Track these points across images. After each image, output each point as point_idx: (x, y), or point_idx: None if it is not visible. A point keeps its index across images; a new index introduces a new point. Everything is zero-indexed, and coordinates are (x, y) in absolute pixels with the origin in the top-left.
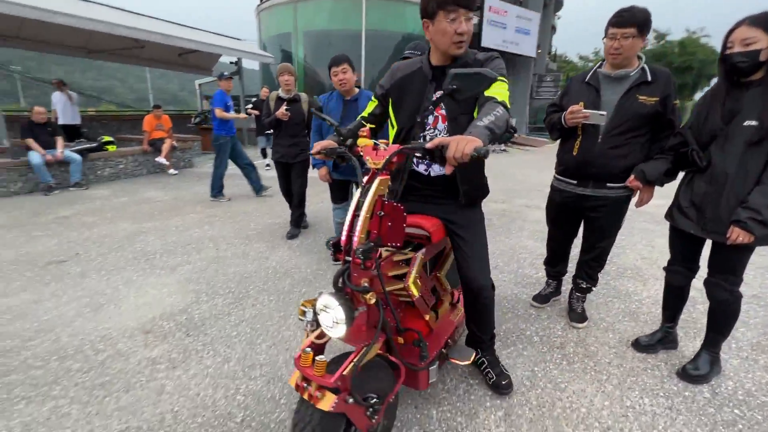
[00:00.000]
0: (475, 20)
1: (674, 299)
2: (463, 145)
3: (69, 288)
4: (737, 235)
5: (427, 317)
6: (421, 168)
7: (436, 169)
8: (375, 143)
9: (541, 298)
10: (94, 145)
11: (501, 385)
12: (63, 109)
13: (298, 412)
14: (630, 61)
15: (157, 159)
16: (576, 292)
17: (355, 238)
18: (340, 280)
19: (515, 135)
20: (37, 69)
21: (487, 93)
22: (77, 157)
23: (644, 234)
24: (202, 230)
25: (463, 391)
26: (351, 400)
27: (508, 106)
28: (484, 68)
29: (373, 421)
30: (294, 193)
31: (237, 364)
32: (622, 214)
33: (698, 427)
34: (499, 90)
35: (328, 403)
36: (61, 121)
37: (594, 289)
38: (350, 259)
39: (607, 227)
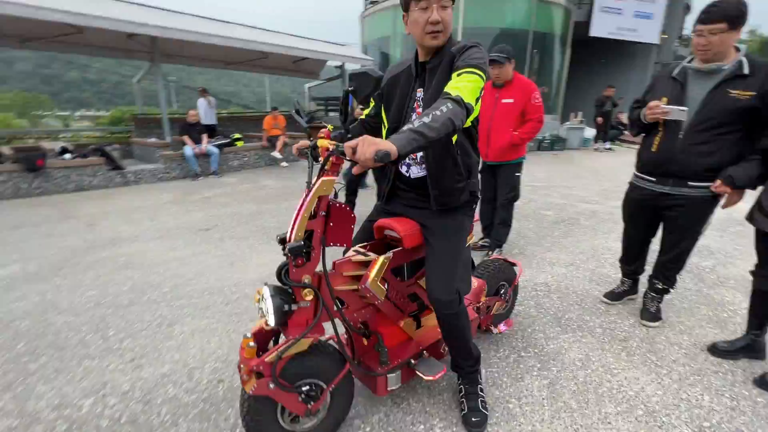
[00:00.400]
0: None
1: (761, 305)
2: (366, 149)
3: (212, 248)
4: None
5: (401, 323)
6: (403, 169)
7: (414, 171)
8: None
9: (613, 296)
10: (228, 141)
11: (470, 422)
12: (205, 111)
13: (242, 392)
14: (722, 55)
15: (272, 153)
16: (651, 292)
17: (292, 236)
18: (282, 273)
19: (624, 132)
20: (186, 78)
21: (446, 88)
22: (216, 150)
23: None
24: None
25: (513, 360)
26: (272, 386)
27: (466, 100)
28: (369, 67)
29: (309, 406)
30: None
31: None
32: (705, 215)
33: (760, 429)
34: (462, 83)
35: (249, 386)
36: (203, 122)
37: (672, 290)
38: None
39: (686, 228)
